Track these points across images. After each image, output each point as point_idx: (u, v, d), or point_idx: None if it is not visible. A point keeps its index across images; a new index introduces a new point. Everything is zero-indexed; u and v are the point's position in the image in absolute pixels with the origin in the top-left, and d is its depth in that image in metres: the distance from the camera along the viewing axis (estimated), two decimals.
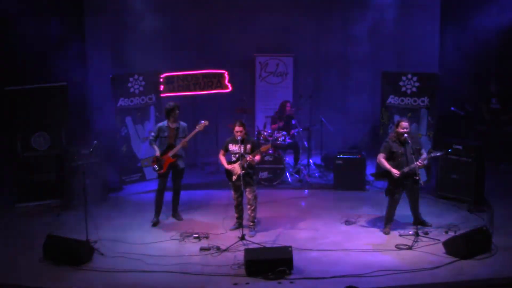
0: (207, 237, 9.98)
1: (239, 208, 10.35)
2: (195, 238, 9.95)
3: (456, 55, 13.60)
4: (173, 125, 10.67)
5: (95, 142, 10.69)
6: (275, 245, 9.58)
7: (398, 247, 9.49)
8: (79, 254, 9.10)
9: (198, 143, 13.87)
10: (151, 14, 13.87)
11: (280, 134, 12.99)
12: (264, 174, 12.68)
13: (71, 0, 13.64)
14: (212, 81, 13.81)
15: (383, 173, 10.12)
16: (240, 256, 9.01)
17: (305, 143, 13.54)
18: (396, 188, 9.98)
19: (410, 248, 9.43)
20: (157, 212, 10.78)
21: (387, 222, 10.18)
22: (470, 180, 11.32)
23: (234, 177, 9.99)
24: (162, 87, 13.39)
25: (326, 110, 14.11)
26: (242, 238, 9.69)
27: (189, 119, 11.97)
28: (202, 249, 9.52)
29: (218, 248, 9.49)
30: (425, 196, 11.21)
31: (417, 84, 12.46)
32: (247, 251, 8.89)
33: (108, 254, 9.38)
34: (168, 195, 10.93)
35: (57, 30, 12.78)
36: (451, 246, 9.17)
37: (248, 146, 10.02)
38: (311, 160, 13.68)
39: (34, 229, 10.45)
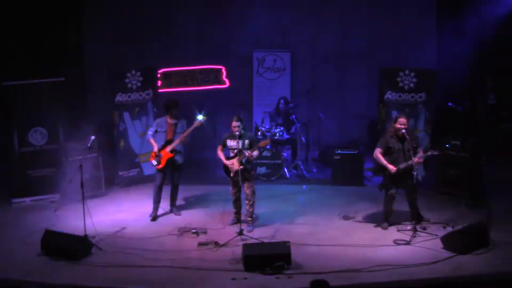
0: (205, 232, 9.98)
1: (237, 203, 10.35)
2: (193, 233, 9.96)
3: (453, 50, 13.62)
4: (172, 121, 10.67)
5: (93, 137, 10.68)
6: (273, 240, 9.59)
7: (396, 242, 9.51)
8: (77, 249, 9.11)
9: (196, 138, 13.83)
10: (149, 9, 13.86)
11: (278, 130, 12.98)
12: (262, 170, 12.68)
13: None
14: (210, 76, 13.83)
15: (380, 169, 10.13)
16: (238, 251, 9.00)
17: (303, 138, 13.55)
18: (391, 183, 9.98)
19: (408, 243, 9.44)
20: (156, 207, 10.80)
21: (385, 218, 10.20)
22: (468, 176, 11.33)
23: (232, 173, 9.99)
24: (159, 83, 13.38)
25: (324, 105, 14.11)
26: (240, 233, 9.69)
27: (187, 114, 11.95)
28: (200, 244, 9.52)
29: (216, 243, 9.50)
30: (423, 192, 11.20)
31: (414, 79, 12.46)
32: (245, 246, 8.90)
33: (106, 249, 9.39)
34: (167, 190, 10.93)
35: (55, 25, 12.76)
36: (449, 241, 9.19)
37: (246, 141, 10.01)
38: (309, 156, 13.69)
39: (32, 225, 10.44)
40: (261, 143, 10.16)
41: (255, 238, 9.59)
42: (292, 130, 13.34)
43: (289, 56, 14.87)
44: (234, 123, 9.95)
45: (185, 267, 8.71)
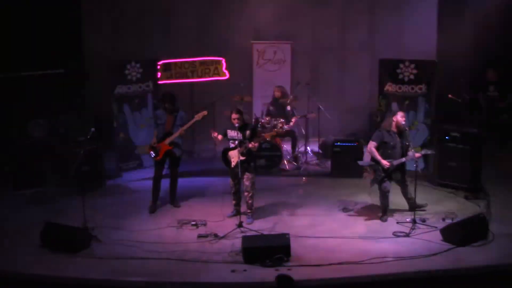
0: (204, 224, 9.99)
1: (236, 195, 10.35)
2: (192, 225, 9.96)
3: (454, 41, 13.58)
4: (172, 113, 10.66)
5: (92, 129, 10.66)
6: (272, 232, 9.59)
7: (396, 234, 9.52)
8: (76, 241, 9.12)
9: (195, 130, 13.83)
10: (149, 0, 13.80)
11: (277, 121, 12.96)
12: (261, 162, 12.67)
13: None
14: (210, 68, 13.80)
15: (372, 164, 10.12)
16: (238, 243, 9.00)
17: (302, 130, 13.52)
18: (384, 177, 9.99)
19: (407, 235, 9.45)
20: (154, 200, 10.80)
21: (384, 210, 10.20)
22: (467, 168, 11.32)
23: (233, 164, 9.98)
24: (159, 74, 13.36)
25: (324, 97, 14.07)
26: (240, 225, 9.70)
27: (187, 106, 11.96)
28: (199, 236, 9.53)
29: (216, 235, 9.51)
30: (423, 184, 11.22)
31: (414, 71, 12.43)
32: (245, 238, 8.91)
33: (106, 241, 9.40)
34: (166, 183, 10.93)
35: (54, 16, 12.72)
36: (448, 233, 9.20)
37: (247, 132, 10.00)
38: (308, 148, 13.68)
39: (31, 217, 10.44)
40: (266, 135, 10.13)
41: (255, 230, 9.60)
42: (292, 122, 13.31)
43: (289, 48, 14.83)
44: (233, 115, 9.94)
45: (185, 259, 8.72)
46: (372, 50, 14.39)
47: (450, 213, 10.18)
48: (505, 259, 8.60)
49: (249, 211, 10.25)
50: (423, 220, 9.89)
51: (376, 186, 10.21)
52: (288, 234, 8.88)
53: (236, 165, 9.87)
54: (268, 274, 8.22)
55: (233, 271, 8.38)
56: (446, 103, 13.12)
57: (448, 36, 13.80)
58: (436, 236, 9.31)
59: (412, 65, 12.44)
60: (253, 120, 13.46)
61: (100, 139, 11.86)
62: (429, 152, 10.33)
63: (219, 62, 13.77)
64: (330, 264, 8.47)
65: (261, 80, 14.80)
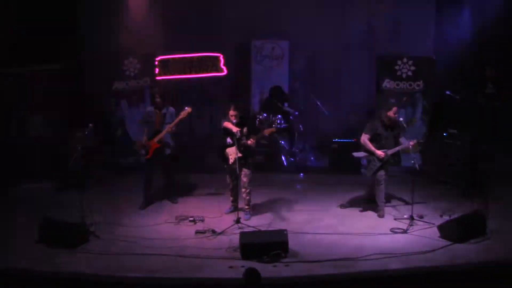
0: (202, 220, 10.00)
1: (234, 192, 10.36)
2: (190, 221, 9.97)
3: (452, 38, 13.57)
4: (160, 110, 10.62)
5: (90, 125, 10.64)
6: (270, 229, 9.60)
7: (393, 230, 9.53)
8: (74, 236, 9.12)
9: (193, 126, 13.83)
10: None
11: (275, 118, 12.96)
12: (259, 158, 12.67)
13: None
14: (208, 64, 13.78)
15: (367, 155, 10.15)
16: (236, 239, 9.00)
17: (300, 126, 13.53)
18: (379, 167, 10.01)
19: (405, 231, 9.47)
20: (145, 197, 10.83)
21: (381, 206, 10.21)
22: (465, 164, 11.34)
23: (231, 160, 9.98)
24: (157, 70, 13.35)
25: (322, 93, 14.07)
26: (238, 221, 9.70)
27: (185, 102, 11.92)
28: (197, 232, 9.54)
29: (214, 231, 9.52)
30: (420, 180, 11.22)
31: (412, 68, 12.46)
32: (243, 234, 8.90)
33: (104, 236, 9.40)
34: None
35: (52, 12, 12.69)
36: (445, 230, 9.21)
37: (245, 129, 10.00)
38: (306, 144, 13.68)
39: (29, 212, 10.42)
40: (266, 131, 10.13)
41: (252, 226, 9.61)
42: (291, 118, 13.31)
43: (287, 44, 14.80)
44: (232, 112, 9.93)
45: (182, 255, 8.72)
46: (370, 47, 14.36)
47: (447, 209, 10.20)
48: (503, 255, 8.62)
49: (246, 207, 10.25)
50: (421, 217, 9.91)
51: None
52: (285, 230, 8.88)
53: (234, 162, 9.87)
54: (266, 270, 8.22)
55: (230, 267, 8.37)
56: (444, 100, 13.12)
57: (446, 33, 13.78)
58: (434, 232, 9.32)
59: (410, 62, 12.46)
60: (251, 116, 13.44)
61: (98, 135, 11.85)
62: (422, 140, 10.35)
63: (217, 58, 13.76)
64: (328, 260, 8.47)
65: (259, 76, 14.78)
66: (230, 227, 9.60)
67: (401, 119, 9.93)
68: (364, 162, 12.39)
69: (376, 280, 8.09)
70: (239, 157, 9.80)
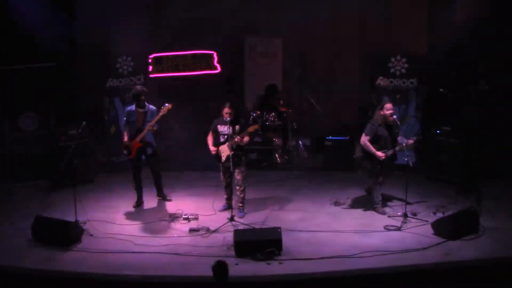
0: (196, 218, 9.99)
1: (228, 189, 10.36)
2: (184, 219, 9.97)
3: (445, 35, 13.57)
4: (141, 109, 10.57)
5: (83, 122, 10.63)
6: (264, 226, 9.61)
7: (387, 228, 9.55)
8: (68, 235, 9.10)
9: (187, 123, 13.80)
10: None
11: (269, 116, 12.95)
12: (253, 155, 12.67)
13: None
14: (201, 62, 13.76)
15: (367, 156, 10.15)
16: (230, 237, 9.02)
17: (294, 124, 13.52)
18: (380, 170, 10.03)
19: (398, 229, 9.48)
20: (138, 196, 10.82)
21: (380, 202, 10.22)
22: (458, 162, 11.37)
23: (223, 158, 9.98)
24: (150, 68, 13.33)
25: (315, 91, 14.07)
26: (232, 219, 9.71)
27: (178, 100, 11.92)
28: (191, 230, 9.54)
29: (208, 229, 9.52)
30: (414, 177, 11.21)
31: (405, 65, 12.47)
32: (237, 232, 8.91)
33: (97, 234, 9.39)
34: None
35: (46, 9, 12.65)
36: (439, 227, 9.24)
37: (237, 127, 9.99)
38: (300, 141, 13.68)
39: (22, 210, 10.42)
40: (250, 128, 10.10)
41: (246, 224, 9.61)
42: (285, 115, 13.30)
43: (281, 42, 14.79)
44: (226, 110, 9.92)
45: (176, 253, 8.72)
46: (364, 44, 14.35)
47: (441, 207, 10.23)
48: (495, 252, 8.64)
49: (240, 205, 10.25)
50: (414, 214, 9.93)
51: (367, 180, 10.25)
52: (279, 228, 8.89)
53: (227, 159, 9.87)
54: (260, 268, 8.25)
55: None
56: (437, 97, 13.13)
57: (439, 30, 13.79)
58: (427, 229, 9.34)
59: (404, 59, 12.48)
60: (245, 114, 13.42)
61: (91, 133, 11.84)
62: (420, 137, 10.36)
63: (210, 55, 13.74)
64: (322, 258, 8.48)
65: (253, 73, 14.77)
66: (224, 225, 9.60)
67: (394, 116, 9.92)
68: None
69: (370, 278, 8.11)
70: (232, 155, 9.79)
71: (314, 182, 11.99)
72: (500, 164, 12.08)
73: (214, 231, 9.47)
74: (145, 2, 13.96)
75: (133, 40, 13.29)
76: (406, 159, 9.72)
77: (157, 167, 10.86)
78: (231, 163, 9.75)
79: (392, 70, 12.58)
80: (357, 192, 11.14)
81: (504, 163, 12.07)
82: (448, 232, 9.07)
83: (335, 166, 12.46)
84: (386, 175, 10.23)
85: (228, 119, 9.91)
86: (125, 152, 10.59)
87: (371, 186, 10.37)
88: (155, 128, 10.40)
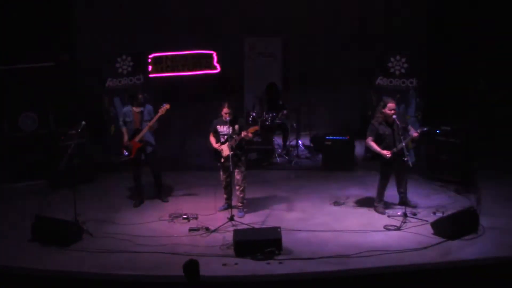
0: (196, 218, 9.98)
1: (228, 189, 10.35)
2: (184, 219, 9.96)
3: (444, 35, 13.58)
4: (138, 109, 10.55)
5: (83, 122, 10.62)
6: (264, 226, 9.61)
7: (387, 227, 9.54)
8: (67, 234, 9.11)
9: (188, 123, 13.80)
10: None
11: (268, 115, 12.94)
12: (252, 155, 12.66)
13: None
14: (201, 61, 13.77)
15: (374, 156, 10.14)
16: (229, 236, 9.02)
17: (293, 124, 13.52)
18: (389, 169, 10.02)
19: (398, 228, 9.47)
20: (138, 195, 10.82)
21: (381, 201, 10.22)
22: (458, 161, 11.36)
23: (223, 158, 9.97)
24: (150, 68, 13.33)
25: (315, 91, 14.07)
26: (231, 219, 9.70)
27: (178, 99, 11.93)
28: (191, 229, 9.53)
29: (207, 229, 9.51)
30: (414, 177, 11.22)
31: (405, 65, 12.47)
32: (236, 232, 8.91)
33: (97, 234, 9.39)
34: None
35: (46, 9, 12.66)
36: (439, 227, 9.23)
37: (237, 126, 9.99)
38: (300, 141, 13.68)
39: (22, 210, 10.41)
40: (250, 129, 10.10)
41: (246, 224, 9.61)
42: (284, 114, 13.27)
43: (280, 41, 14.80)
44: (225, 110, 9.90)
45: (176, 253, 8.71)
46: (364, 44, 14.36)
47: (440, 206, 10.22)
48: (495, 252, 8.64)
49: (240, 204, 10.25)
50: (414, 214, 9.92)
51: (367, 179, 10.23)
52: (279, 227, 8.89)
53: (227, 159, 9.86)
54: (260, 267, 8.26)
55: (224, 264, 8.39)
56: (437, 97, 13.15)
57: (439, 29, 13.80)
58: (427, 229, 9.33)
59: (403, 59, 12.47)
60: (245, 114, 13.42)
61: (91, 132, 11.83)
62: (425, 129, 10.31)
63: (210, 55, 13.74)
64: (321, 258, 8.48)
65: (252, 73, 14.78)
66: (223, 224, 9.60)
67: (394, 117, 9.90)
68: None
69: (370, 277, 8.12)
70: (232, 155, 9.79)
71: (313, 181, 11.98)
72: (500, 164, 12.10)
73: (214, 231, 9.46)
74: (145, 2, 13.96)
75: (133, 39, 13.30)
76: (406, 159, 9.70)
77: (157, 166, 10.86)
78: (230, 163, 9.74)
79: (392, 70, 12.57)
80: (357, 192, 11.13)
81: (504, 163, 12.08)
82: (448, 232, 9.07)
83: (335, 166, 12.44)
84: (399, 173, 10.15)
85: (228, 119, 9.90)
86: (125, 152, 10.59)
87: (400, 185, 10.27)
88: (154, 127, 10.42)
